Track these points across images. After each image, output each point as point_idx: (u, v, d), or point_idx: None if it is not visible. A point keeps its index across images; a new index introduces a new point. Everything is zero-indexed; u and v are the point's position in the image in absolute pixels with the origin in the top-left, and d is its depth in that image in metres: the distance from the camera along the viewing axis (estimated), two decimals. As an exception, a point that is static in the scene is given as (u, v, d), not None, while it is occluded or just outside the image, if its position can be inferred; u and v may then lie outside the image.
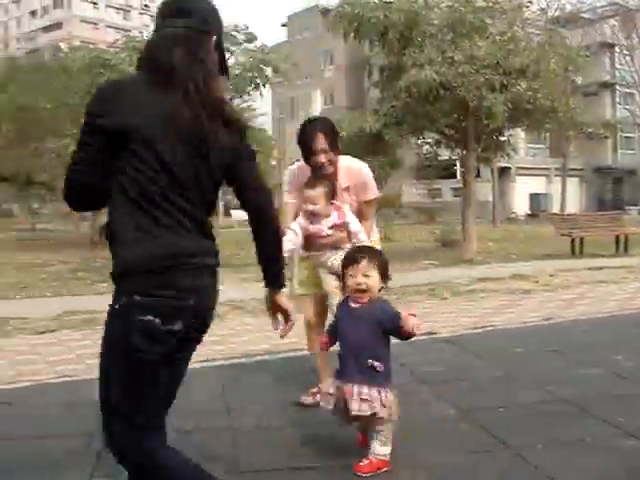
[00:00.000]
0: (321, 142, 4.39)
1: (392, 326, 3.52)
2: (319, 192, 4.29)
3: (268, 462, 3.75)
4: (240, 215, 38.87)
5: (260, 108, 20.91)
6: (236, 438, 4.11)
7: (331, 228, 4.32)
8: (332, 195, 4.38)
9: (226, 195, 37.84)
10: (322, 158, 4.40)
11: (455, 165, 42.70)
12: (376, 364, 3.52)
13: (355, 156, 4.85)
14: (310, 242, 4.41)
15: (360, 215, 4.59)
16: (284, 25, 71.04)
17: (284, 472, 3.65)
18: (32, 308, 9.29)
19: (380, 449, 3.57)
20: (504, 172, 43.80)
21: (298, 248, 4.42)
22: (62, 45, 31.10)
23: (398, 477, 3.54)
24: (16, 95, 18.86)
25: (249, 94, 13.25)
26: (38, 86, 19.28)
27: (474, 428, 4.22)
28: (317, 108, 63.84)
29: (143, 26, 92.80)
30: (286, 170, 4.91)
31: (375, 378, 3.53)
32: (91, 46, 15.61)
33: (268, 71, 12.37)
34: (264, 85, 12.84)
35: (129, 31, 61.68)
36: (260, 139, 28.88)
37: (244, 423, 4.39)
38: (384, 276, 3.63)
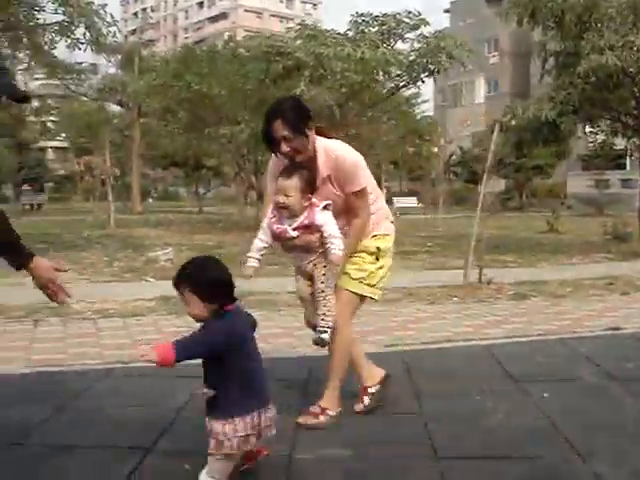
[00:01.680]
0: (279, 129, 3.76)
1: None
2: (293, 183, 3.69)
3: (464, 449, 3.72)
4: (403, 202, 38.99)
5: (423, 95, 20.81)
6: (427, 423, 4.10)
7: (296, 229, 3.73)
8: (311, 189, 3.77)
9: (386, 181, 38.07)
10: (283, 147, 3.79)
11: (623, 156, 40.87)
12: (206, 391, 3.09)
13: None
14: (280, 243, 3.90)
15: (350, 211, 3.97)
16: (447, 11, 70.37)
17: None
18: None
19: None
20: (676, 164, 41.50)
21: (273, 244, 3.91)
22: (227, 34, 32.27)
23: (603, 475, 3.38)
24: (191, 82, 19.61)
25: (422, 81, 13.14)
26: (213, 74, 19.96)
27: (678, 430, 3.99)
28: (481, 95, 63.01)
29: (305, 14, 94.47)
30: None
31: (212, 409, 3.10)
32: (263, 35, 16.02)
33: (443, 57, 12.21)
34: (438, 72, 12.70)
35: (292, 19, 62.87)
36: (426, 126, 28.72)
37: (432, 408, 4.35)
38: (206, 296, 3.00)
